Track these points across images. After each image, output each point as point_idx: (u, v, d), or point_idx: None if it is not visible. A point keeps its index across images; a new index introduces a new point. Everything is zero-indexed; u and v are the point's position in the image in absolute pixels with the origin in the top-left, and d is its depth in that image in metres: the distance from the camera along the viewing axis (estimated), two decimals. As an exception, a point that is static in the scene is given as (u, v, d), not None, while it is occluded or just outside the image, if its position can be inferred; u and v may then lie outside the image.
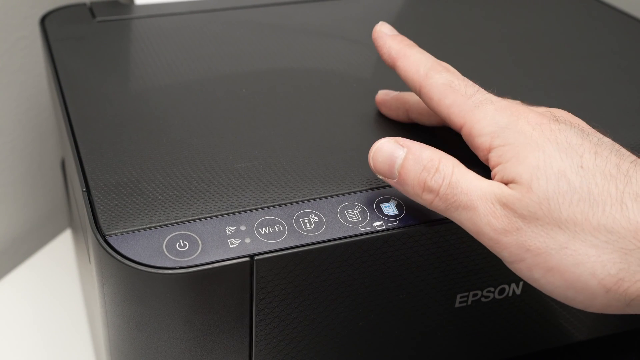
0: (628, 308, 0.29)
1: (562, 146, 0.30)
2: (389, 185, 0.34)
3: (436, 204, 0.31)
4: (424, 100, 0.35)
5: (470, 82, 0.34)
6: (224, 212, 0.32)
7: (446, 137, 0.38)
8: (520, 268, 0.30)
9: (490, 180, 0.31)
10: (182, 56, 0.46)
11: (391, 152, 0.32)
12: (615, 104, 0.42)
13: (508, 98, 0.34)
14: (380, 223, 0.33)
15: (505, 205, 0.29)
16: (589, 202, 0.28)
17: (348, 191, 0.34)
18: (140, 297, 0.31)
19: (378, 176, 0.33)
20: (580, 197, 0.28)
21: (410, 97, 0.39)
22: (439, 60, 0.35)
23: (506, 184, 0.30)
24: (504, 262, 0.31)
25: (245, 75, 0.44)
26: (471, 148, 0.33)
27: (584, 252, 0.28)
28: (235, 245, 0.31)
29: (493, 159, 0.31)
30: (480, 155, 0.32)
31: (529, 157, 0.30)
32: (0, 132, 0.60)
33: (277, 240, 0.31)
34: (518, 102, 0.34)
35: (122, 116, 0.39)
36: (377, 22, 0.38)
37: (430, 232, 0.33)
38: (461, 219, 0.31)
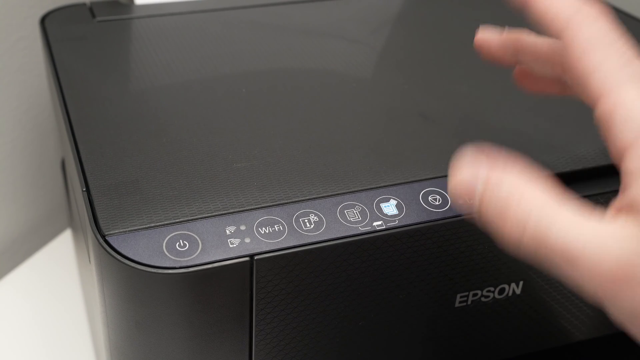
0: None
1: None
2: (388, 185, 0.34)
3: (525, 253, 0.24)
4: (562, 46, 0.26)
5: (630, 43, 0.25)
6: (224, 212, 0.32)
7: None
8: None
9: (600, 221, 0.23)
10: (182, 56, 0.46)
11: (470, 186, 0.26)
12: (615, 104, 0.42)
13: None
14: (380, 223, 0.33)
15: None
16: None
17: (348, 191, 0.34)
18: (140, 297, 0.31)
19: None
20: None
21: (526, 35, 0.31)
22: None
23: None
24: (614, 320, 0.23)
25: (245, 75, 0.44)
26: (601, 131, 0.25)
27: None
28: (235, 245, 0.31)
29: (630, 165, 0.23)
30: (610, 148, 0.24)
31: None
32: (0, 132, 0.60)
33: (277, 240, 0.31)
34: None
35: (122, 116, 0.39)
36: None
37: (430, 231, 0.33)
38: (560, 274, 0.23)
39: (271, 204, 0.33)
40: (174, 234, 0.31)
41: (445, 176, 0.35)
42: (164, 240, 0.31)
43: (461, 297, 0.37)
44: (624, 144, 0.23)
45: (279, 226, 0.32)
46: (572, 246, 0.22)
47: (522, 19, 0.55)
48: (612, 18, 0.26)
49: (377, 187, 0.34)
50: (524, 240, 0.23)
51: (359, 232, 0.32)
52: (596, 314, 0.41)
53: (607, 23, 0.25)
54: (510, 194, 0.24)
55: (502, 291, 0.37)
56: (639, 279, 0.21)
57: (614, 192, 0.36)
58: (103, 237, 0.31)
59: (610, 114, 0.24)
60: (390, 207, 0.33)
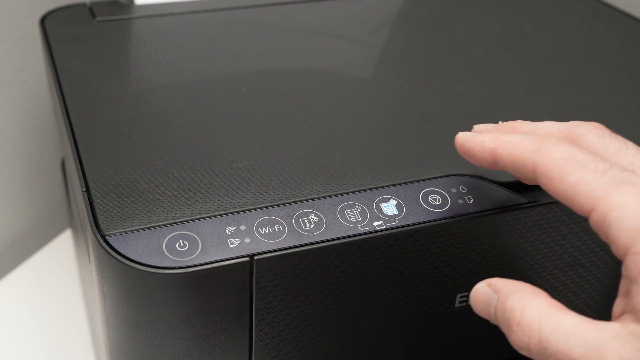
0: None
1: None
2: (388, 185, 0.34)
3: (534, 356, 0.26)
4: (540, 182, 0.28)
5: (599, 155, 0.27)
6: (224, 212, 0.32)
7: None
8: None
9: (602, 325, 0.24)
10: (182, 56, 0.46)
11: (486, 300, 0.29)
12: (615, 104, 0.42)
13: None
14: (380, 223, 0.33)
15: None
16: None
17: (348, 191, 0.34)
18: (140, 297, 0.31)
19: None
20: None
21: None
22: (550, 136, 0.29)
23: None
24: None
25: (245, 75, 0.44)
26: (601, 237, 0.26)
27: None
28: (235, 245, 0.31)
29: (633, 268, 0.24)
30: (614, 250, 0.25)
31: None
32: (0, 132, 0.60)
33: (277, 240, 0.31)
34: None
35: (122, 116, 0.39)
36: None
37: (430, 231, 0.33)
38: None
39: (271, 204, 0.33)
40: (174, 234, 0.31)
41: (445, 176, 0.35)
42: (163, 240, 0.31)
43: (461, 297, 0.37)
44: (622, 247, 0.25)
45: (278, 226, 0.32)
46: (575, 351, 0.24)
47: (520, 17, 0.55)
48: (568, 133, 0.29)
49: (377, 187, 0.34)
50: (530, 346, 0.26)
51: (359, 232, 0.32)
52: (596, 314, 0.41)
53: (571, 146, 0.27)
54: (515, 304, 0.27)
55: (502, 291, 0.37)
56: None
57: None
58: (103, 237, 0.31)
59: (604, 222, 0.25)
60: (390, 207, 0.33)
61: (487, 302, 0.29)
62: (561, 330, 0.25)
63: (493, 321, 0.29)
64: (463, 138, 0.32)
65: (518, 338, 0.26)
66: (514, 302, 0.27)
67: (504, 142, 0.29)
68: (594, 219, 0.26)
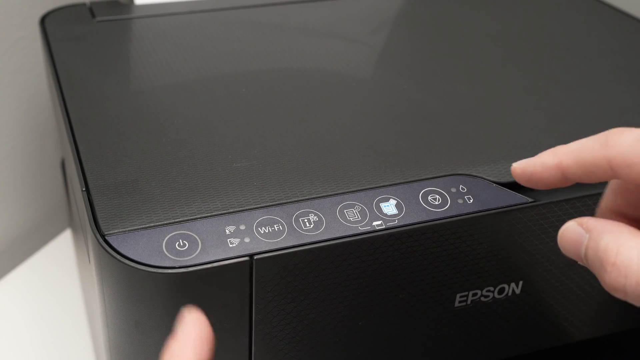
0: None
1: None
2: (388, 185, 0.34)
3: (631, 299, 0.25)
4: (621, 175, 0.27)
5: None
6: (224, 212, 0.32)
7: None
8: None
9: None
10: (181, 56, 0.46)
11: (576, 239, 0.28)
12: (615, 104, 0.42)
13: None
14: (379, 222, 0.33)
15: None
16: None
17: (347, 190, 0.34)
18: (139, 297, 0.31)
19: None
20: None
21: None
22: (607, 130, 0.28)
23: None
24: None
25: (244, 75, 0.44)
26: None
27: None
28: (234, 245, 0.31)
29: None
30: None
31: None
32: (0, 132, 0.60)
33: (277, 239, 0.31)
34: None
35: (122, 116, 0.39)
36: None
37: (429, 231, 0.33)
38: None
39: (271, 203, 0.33)
40: (173, 233, 0.31)
41: (445, 176, 0.35)
42: (163, 240, 0.31)
43: (461, 297, 0.37)
44: None
45: (278, 226, 0.32)
46: None
47: (520, 17, 0.55)
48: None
49: (376, 187, 0.34)
50: (627, 287, 0.25)
51: (358, 232, 0.32)
52: (596, 314, 0.41)
53: (631, 129, 0.27)
54: (610, 243, 0.26)
55: (501, 291, 0.37)
56: None
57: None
58: (103, 237, 0.31)
59: None
60: (390, 207, 0.33)
61: (578, 242, 0.27)
62: None
63: (582, 262, 0.27)
64: (521, 166, 0.30)
65: (613, 279, 0.25)
66: (609, 242, 0.25)
67: (565, 153, 0.28)
68: None
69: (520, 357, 0.42)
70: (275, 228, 0.32)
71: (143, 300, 0.31)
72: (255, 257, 0.31)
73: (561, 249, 0.29)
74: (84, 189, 0.34)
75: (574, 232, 0.28)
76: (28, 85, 0.61)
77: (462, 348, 0.39)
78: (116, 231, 0.31)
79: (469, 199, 0.34)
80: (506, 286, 0.37)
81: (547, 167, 0.29)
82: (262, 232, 0.32)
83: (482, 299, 0.37)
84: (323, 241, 0.32)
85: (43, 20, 0.51)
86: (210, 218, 0.32)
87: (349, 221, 0.33)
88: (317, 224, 0.32)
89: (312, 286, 0.33)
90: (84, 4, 0.54)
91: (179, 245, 0.31)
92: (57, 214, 0.69)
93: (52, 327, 0.56)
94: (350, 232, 0.32)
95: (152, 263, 0.30)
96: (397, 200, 0.34)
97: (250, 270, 0.31)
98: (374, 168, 0.36)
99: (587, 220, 0.27)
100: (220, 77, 0.44)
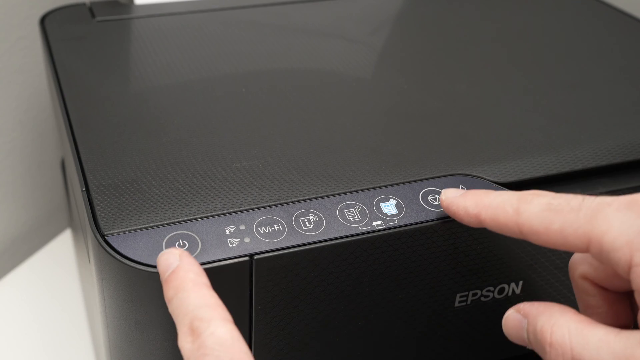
0: None
1: None
2: (388, 185, 0.34)
3: None
4: (530, 240, 0.28)
5: (570, 194, 0.28)
6: (224, 212, 0.32)
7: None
8: None
9: (628, 334, 0.25)
10: (181, 56, 0.46)
11: (517, 325, 0.29)
12: (615, 104, 0.42)
13: None
14: (379, 222, 0.33)
15: None
16: None
17: (347, 190, 0.34)
18: (139, 297, 0.31)
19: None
20: None
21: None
22: (522, 192, 0.30)
23: None
24: None
25: (244, 75, 0.44)
26: (611, 267, 0.26)
27: None
28: (234, 245, 0.31)
29: (638, 279, 0.25)
30: (621, 272, 0.26)
31: None
32: (0, 132, 0.60)
33: (277, 239, 0.31)
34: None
35: (122, 116, 0.39)
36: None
37: (429, 231, 0.33)
38: None
39: (271, 203, 0.33)
40: (173, 233, 0.31)
41: (445, 176, 0.35)
42: (163, 240, 0.31)
43: (461, 297, 0.37)
44: (626, 265, 0.25)
45: (278, 226, 0.32)
46: None
47: (520, 17, 0.55)
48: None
49: (376, 187, 0.34)
50: None
51: (358, 231, 0.32)
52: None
53: (542, 197, 0.28)
54: (545, 325, 0.27)
55: (501, 291, 0.37)
56: None
57: (614, 192, 0.36)
58: (103, 236, 0.31)
59: (601, 251, 0.26)
60: (389, 207, 0.33)
61: (519, 328, 0.29)
62: (591, 344, 0.26)
63: (529, 346, 0.29)
64: (447, 201, 0.32)
65: (553, 358, 0.26)
66: (544, 323, 0.27)
67: (485, 207, 0.30)
68: (594, 253, 0.26)
69: (521, 357, 0.42)
70: (275, 228, 0.32)
71: (143, 300, 0.31)
72: (255, 257, 0.31)
73: (507, 337, 0.30)
74: (84, 189, 0.34)
75: (514, 319, 0.30)
76: (28, 85, 0.61)
77: (462, 348, 0.39)
78: (116, 231, 0.31)
79: (469, 199, 0.34)
80: (506, 286, 0.37)
81: (468, 214, 0.31)
82: (262, 232, 0.32)
83: (482, 299, 0.37)
84: (323, 241, 0.32)
85: (43, 20, 0.51)
86: (210, 218, 0.32)
87: (349, 221, 0.33)
88: (317, 224, 0.32)
89: (312, 286, 0.33)
90: (84, 4, 0.54)
91: (178, 245, 0.31)
92: (57, 214, 0.69)
93: (52, 327, 0.56)
94: (350, 232, 0.32)
95: (152, 263, 0.30)
96: (397, 200, 0.34)
97: (250, 270, 0.31)
98: (374, 168, 0.36)
99: (523, 306, 0.29)
100: (220, 77, 0.44)
